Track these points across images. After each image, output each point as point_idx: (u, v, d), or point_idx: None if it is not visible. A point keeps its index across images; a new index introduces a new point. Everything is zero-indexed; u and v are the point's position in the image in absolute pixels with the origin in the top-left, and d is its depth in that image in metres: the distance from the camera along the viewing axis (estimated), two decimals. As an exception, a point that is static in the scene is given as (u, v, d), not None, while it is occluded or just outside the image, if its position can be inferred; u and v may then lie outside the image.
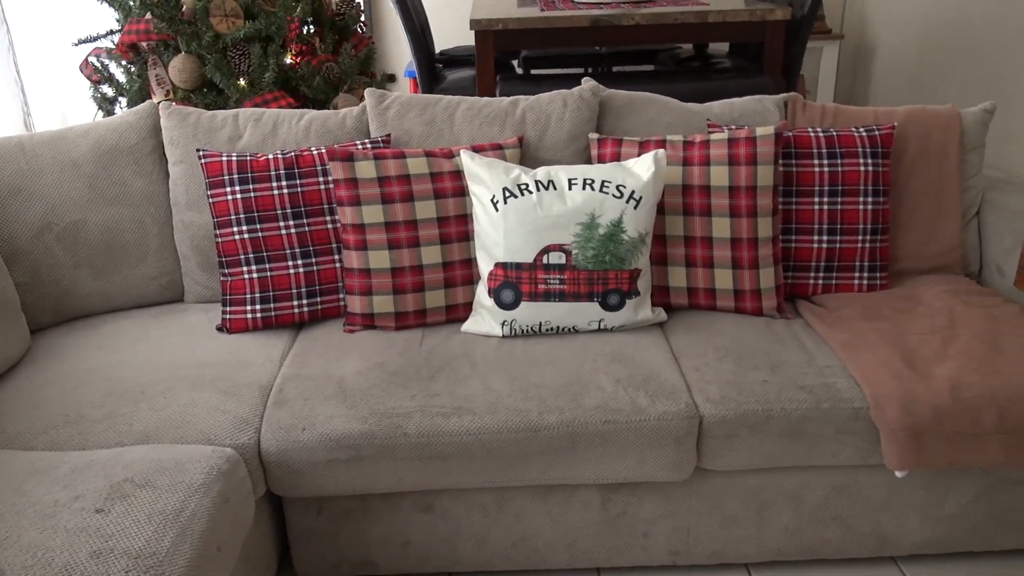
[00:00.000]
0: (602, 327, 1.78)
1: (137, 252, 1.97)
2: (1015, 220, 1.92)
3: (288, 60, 2.42)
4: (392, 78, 5.04)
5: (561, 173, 1.76)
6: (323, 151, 1.87)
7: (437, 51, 4.38)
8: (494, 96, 3.37)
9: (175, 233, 2.00)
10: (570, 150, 2.00)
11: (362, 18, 2.95)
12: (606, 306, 1.76)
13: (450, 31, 4.93)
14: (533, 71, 4.38)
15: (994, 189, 2.05)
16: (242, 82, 2.14)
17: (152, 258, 1.99)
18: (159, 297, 2.03)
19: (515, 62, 4.43)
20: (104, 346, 1.80)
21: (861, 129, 1.92)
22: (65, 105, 3.54)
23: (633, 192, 1.72)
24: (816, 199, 1.89)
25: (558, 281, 1.75)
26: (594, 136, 1.97)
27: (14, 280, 1.86)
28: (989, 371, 1.57)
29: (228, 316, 1.85)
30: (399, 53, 4.97)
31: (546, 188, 1.74)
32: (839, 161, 1.89)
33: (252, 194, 1.83)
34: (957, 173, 1.99)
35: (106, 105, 2.62)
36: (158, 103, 2.05)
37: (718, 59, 4.07)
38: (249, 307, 1.84)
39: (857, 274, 1.92)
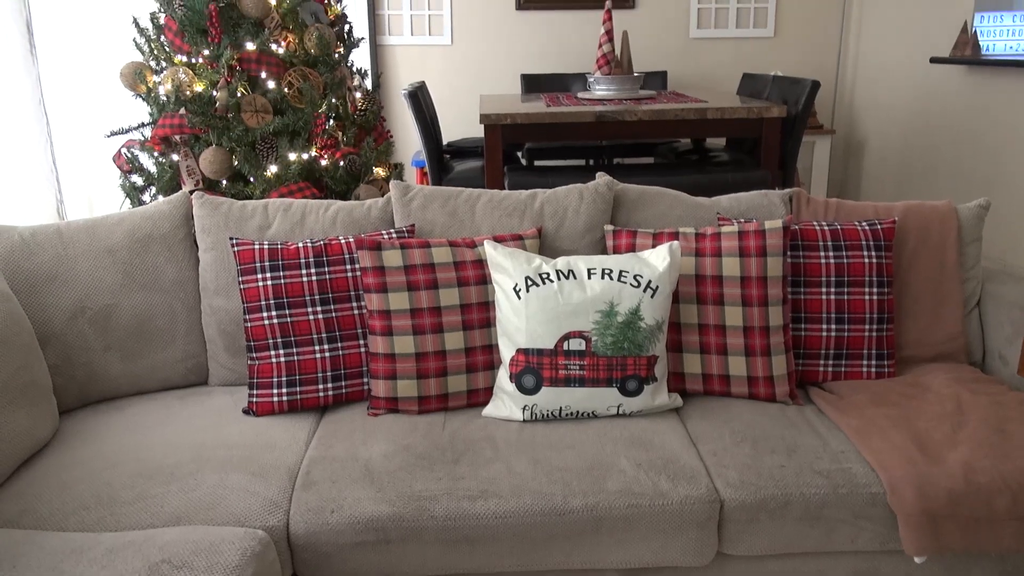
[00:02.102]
0: (620, 412, 1.83)
1: (166, 336, 2.02)
2: (1014, 310, 2.00)
3: (313, 153, 2.54)
4: (399, 167, 5.21)
5: (580, 263, 1.84)
6: (351, 240, 1.95)
7: (444, 143, 4.55)
8: (502, 185, 3.51)
9: (203, 317, 2.06)
10: (586, 240, 2.09)
11: (381, 112, 3.09)
12: (624, 391, 1.81)
13: (454, 124, 5.13)
14: (536, 162, 4.55)
15: (993, 280, 2.14)
16: (273, 169, 2.24)
17: (180, 342, 2.04)
18: (184, 380, 2.07)
19: (519, 153, 4.60)
20: (132, 428, 1.83)
21: (864, 223, 2.02)
22: (92, 193, 3.65)
23: (650, 281, 1.80)
24: (823, 289, 1.97)
25: (578, 367, 1.80)
26: (609, 227, 2.06)
27: (46, 362, 1.90)
28: (999, 456, 1.62)
29: (255, 399, 1.89)
30: (405, 144, 5.15)
31: (566, 277, 1.82)
32: (844, 253, 1.98)
33: (282, 280, 1.90)
34: (956, 265, 2.09)
35: (135, 194, 2.72)
36: (190, 193, 2.14)
37: (715, 152, 4.23)
38: (275, 390, 1.89)
39: (865, 362, 1.99)
